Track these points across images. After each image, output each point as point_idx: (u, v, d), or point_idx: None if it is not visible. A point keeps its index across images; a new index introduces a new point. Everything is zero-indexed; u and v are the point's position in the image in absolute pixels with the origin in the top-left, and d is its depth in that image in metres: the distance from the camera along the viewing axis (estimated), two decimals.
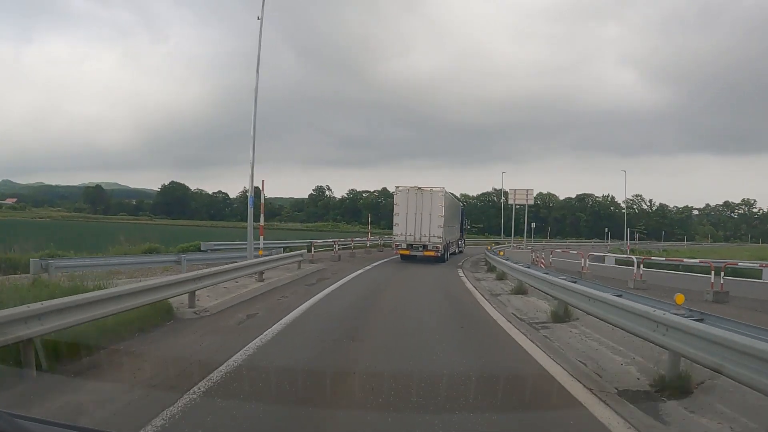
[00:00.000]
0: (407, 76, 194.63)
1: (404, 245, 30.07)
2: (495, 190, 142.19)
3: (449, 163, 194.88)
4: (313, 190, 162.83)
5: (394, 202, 30.84)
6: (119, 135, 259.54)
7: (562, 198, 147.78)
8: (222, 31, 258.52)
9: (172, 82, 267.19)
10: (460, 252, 41.01)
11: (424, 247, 29.85)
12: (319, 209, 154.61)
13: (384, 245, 44.44)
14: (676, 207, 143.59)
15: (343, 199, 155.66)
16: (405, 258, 30.78)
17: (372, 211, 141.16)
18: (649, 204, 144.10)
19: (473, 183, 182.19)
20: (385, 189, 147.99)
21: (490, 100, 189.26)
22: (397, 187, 30.98)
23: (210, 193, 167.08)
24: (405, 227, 29.96)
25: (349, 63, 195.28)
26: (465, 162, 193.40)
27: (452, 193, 40.81)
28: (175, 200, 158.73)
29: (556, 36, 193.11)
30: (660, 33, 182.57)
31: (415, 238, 29.84)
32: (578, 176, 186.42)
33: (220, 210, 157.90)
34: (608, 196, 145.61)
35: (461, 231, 41.79)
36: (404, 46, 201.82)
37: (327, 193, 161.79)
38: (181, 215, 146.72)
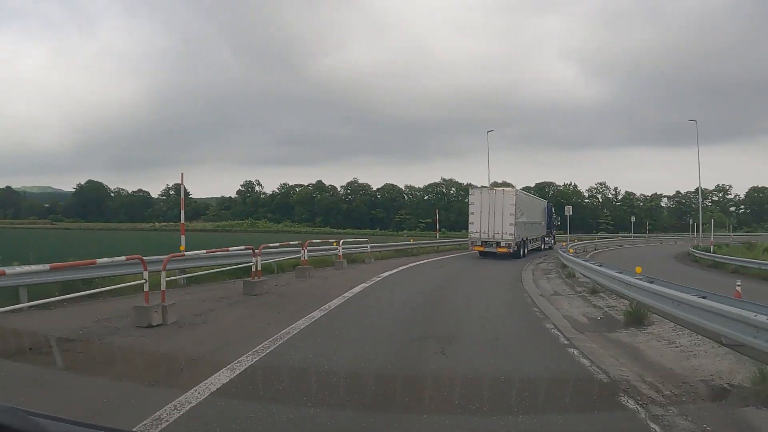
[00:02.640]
0: (349, 71, 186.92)
1: (479, 242, 31.80)
2: (444, 180, 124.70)
3: (394, 159, 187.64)
4: (242, 185, 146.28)
5: (469, 202, 32.96)
6: (50, 135, 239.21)
7: (520, 187, 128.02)
8: (153, 26, 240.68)
9: (102, 78, 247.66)
10: (549, 248, 42.36)
11: (498, 244, 31.25)
12: (247, 207, 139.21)
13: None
14: (644, 195, 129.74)
15: (273, 195, 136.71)
16: (482, 254, 31.94)
17: (306, 207, 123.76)
18: (614, 193, 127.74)
19: (420, 179, 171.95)
20: (320, 182, 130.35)
21: (432, 95, 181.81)
22: (471, 187, 34.44)
23: (129, 192, 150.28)
24: (479, 225, 31.68)
25: (288, 58, 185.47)
26: (409, 158, 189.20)
27: (525, 192, 43.88)
28: (91, 201, 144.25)
29: (497, 30, 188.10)
30: (601, 27, 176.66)
31: (489, 236, 31.42)
32: (522, 170, 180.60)
33: (140, 211, 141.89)
34: (570, 184, 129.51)
35: (549, 228, 44.11)
36: (345, 40, 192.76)
37: (257, 188, 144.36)
38: (99, 218, 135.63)
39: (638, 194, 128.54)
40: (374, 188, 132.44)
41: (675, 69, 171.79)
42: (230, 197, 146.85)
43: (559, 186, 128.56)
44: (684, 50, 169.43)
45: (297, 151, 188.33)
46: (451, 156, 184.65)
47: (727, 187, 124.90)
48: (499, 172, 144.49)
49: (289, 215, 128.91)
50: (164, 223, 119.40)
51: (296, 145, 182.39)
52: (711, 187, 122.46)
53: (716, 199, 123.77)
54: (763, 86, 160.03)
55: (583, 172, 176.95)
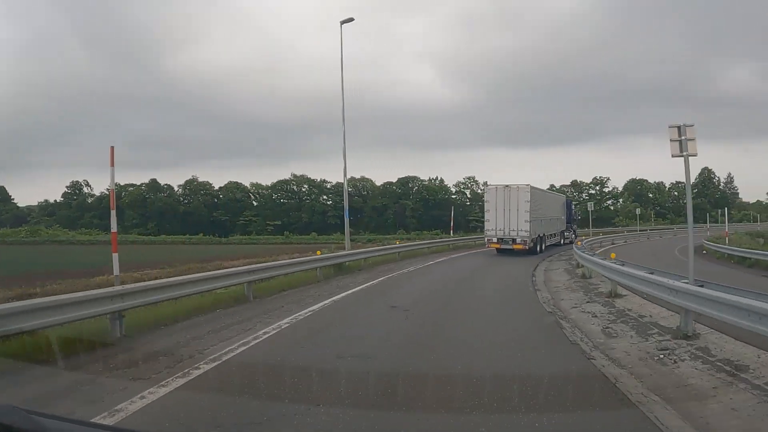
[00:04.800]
0: (206, 70, 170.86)
1: (495, 239, 32.50)
2: (295, 177, 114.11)
3: (252, 162, 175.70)
4: (67, 187, 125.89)
5: (484, 200, 34.71)
6: None
7: (380, 183, 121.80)
8: None
9: None
10: (569, 243, 40.71)
11: (513, 240, 31.73)
12: (72, 211, 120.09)
13: None
14: None
15: (102, 197, 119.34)
16: (499, 251, 32.50)
17: (138, 210, 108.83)
18: (484, 186, 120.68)
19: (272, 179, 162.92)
20: (154, 180, 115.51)
21: (290, 95, 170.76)
22: (486, 186, 38.31)
23: None
24: (495, 222, 32.35)
25: (141, 55, 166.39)
26: (270, 161, 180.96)
27: (541, 188, 41.54)
28: None
29: (357, 30, 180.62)
30: (458, 31, 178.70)
31: (504, 233, 32.00)
32: (382, 171, 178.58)
33: None
34: (436, 178, 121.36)
35: (569, 223, 44.94)
36: (202, 37, 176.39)
37: (85, 190, 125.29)
38: None
39: None
40: (216, 187, 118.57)
41: (531, 72, 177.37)
42: (55, 201, 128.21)
43: (424, 181, 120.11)
44: (539, 55, 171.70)
45: (150, 154, 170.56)
46: (312, 157, 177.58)
47: (605, 180, 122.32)
48: (357, 168, 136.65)
49: (119, 220, 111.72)
50: None
51: (149, 148, 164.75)
52: (588, 180, 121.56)
53: (593, 192, 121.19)
54: (612, 90, 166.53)
55: (445, 173, 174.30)
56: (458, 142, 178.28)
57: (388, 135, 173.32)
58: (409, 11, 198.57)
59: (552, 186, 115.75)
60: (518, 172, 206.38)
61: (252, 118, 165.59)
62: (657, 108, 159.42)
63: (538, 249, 33.08)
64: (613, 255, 14.05)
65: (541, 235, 34.32)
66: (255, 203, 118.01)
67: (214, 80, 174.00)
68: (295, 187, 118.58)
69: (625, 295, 14.14)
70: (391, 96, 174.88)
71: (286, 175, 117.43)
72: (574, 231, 46.19)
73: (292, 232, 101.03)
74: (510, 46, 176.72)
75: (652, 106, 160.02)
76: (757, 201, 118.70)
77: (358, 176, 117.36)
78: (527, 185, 32.54)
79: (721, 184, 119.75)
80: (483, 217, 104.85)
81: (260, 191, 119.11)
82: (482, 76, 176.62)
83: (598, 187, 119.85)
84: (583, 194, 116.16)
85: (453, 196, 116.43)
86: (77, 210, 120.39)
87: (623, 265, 14.17)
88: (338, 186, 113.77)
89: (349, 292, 16.25)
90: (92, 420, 4.96)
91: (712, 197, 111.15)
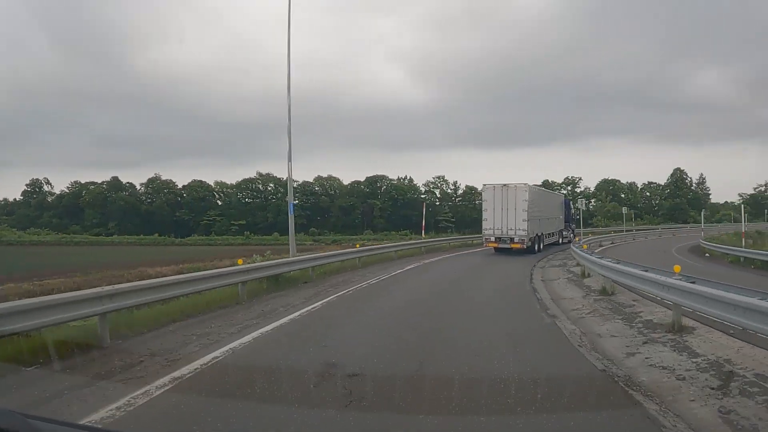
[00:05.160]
0: (174, 68, 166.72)
1: (493, 239, 32.35)
2: (260, 175, 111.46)
3: (221, 161, 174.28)
4: (27, 185, 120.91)
5: (482, 199, 33.74)
6: None
7: (347, 182, 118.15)
8: None
9: None
10: (567, 242, 40.51)
11: (511, 239, 31.71)
12: (32, 210, 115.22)
13: None
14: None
15: (61, 196, 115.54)
16: (497, 250, 32.50)
17: (98, 209, 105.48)
18: (453, 187, 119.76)
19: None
20: (116, 178, 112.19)
21: (263, 94, 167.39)
22: (484, 185, 33.81)
23: None
24: (492, 222, 32.27)
25: (110, 51, 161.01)
26: (239, 160, 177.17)
27: (540, 187, 46.36)
28: None
29: (328, 29, 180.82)
30: (429, 31, 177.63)
31: (502, 232, 31.97)
32: (352, 173, 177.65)
33: None
34: (405, 177, 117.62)
35: (567, 221, 44.36)
36: (170, 35, 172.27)
37: (45, 188, 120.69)
38: None
39: (479, 187, 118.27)
40: (180, 186, 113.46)
41: (502, 74, 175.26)
42: (15, 200, 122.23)
43: (393, 180, 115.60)
44: (510, 56, 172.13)
45: (118, 153, 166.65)
46: (282, 157, 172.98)
47: (577, 180, 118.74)
48: (327, 169, 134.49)
49: (79, 219, 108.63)
50: None
51: (115, 147, 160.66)
52: (560, 180, 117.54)
53: (564, 192, 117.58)
54: (583, 92, 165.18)
55: (416, 173, 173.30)
56: (429, 142, 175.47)
57: (359, 135, 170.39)
58: (380, 10, 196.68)
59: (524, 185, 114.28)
60: (489, 173, 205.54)
61: (221, 117, 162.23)
62: (627, 110, 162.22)
63: (536, 248, 33.02)
64: (677, 268, 10.98)
65: (539, 234, 34.33)
66: (220, 203, 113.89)
67: (183, 78, 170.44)
68: (260, 186, 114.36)
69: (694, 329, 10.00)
70: (362, 96, 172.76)
71: (253, 174, 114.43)
72: (573, 230, 45.56)
73: (255, 232, 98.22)
74: (481, 47, 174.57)
75: (622, 109, 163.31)
76: (725, 202, 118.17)
77: (325, 175, 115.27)
78: (525, 184, 32.75)
79: (693, 184, 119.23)
80: (452, 217, 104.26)
81: (225, 190, 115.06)
82: (454, 77, 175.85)
83: (570, 187, 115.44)
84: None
85: (423, 196, 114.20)
86: (36, 209, 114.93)
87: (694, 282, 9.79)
88: (305, 185, 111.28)
89: (269, 327, 10.80)
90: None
91: (684, 197, 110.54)
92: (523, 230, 31.41)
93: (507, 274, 22.32)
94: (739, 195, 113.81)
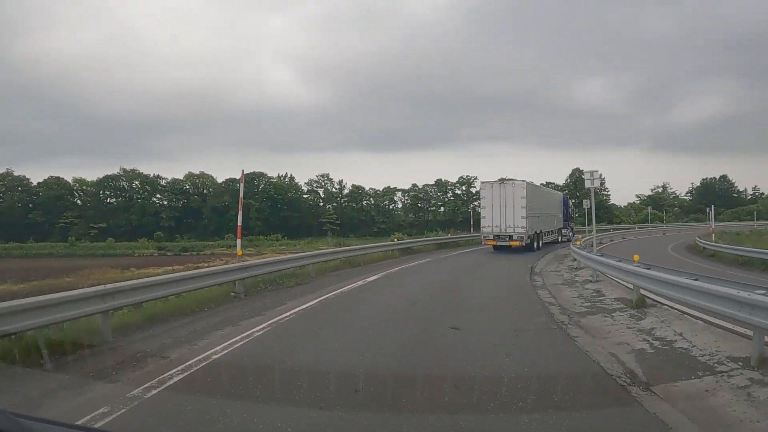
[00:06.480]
0: (52, 58, 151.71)
1: (491, 236, 32.07)
2: (125, 171, 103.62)
3: (103, 161, 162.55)
4: None
5: (480, 197, 33.49)
6: None
7: (221, 180, 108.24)
8: None
9: None
10: (566, 240, 40.03)
11: (510, 237, 31.48)
12: None
13: None
14: (374, 189, 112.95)
15: None
16: (495, 248, 32.33)
17: None
18: (339, 186, 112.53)
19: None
20: None
21: (148, 90, 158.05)
22: (482, 183, 34.00)
23: None
24: (491, 219, 32.00)
25: None
26: (121, 161, 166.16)
27: (538, 185, 42.52)
28: None
29: (217, 25, 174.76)
30: (318, 31, 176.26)
31: (501, 230, 31.72)
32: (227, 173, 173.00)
33: None
34: (286, 175, 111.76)
35: (566, 220, 44.15)
36: (48, 22, 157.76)
37: None
38: None
39: (368, 188, 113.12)
40: (34, 183, 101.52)
41: (391, 78, 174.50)
42: None
43: (273, 178, 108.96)
44: (399, 60, 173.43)
45: None
46: (163, 158, 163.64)
47: (473, 179, 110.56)
48: (198, 167, 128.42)
49: None
50: None
51: None
52: (454, 180, 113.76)
53: (459, 192, 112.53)
54: (469, 98, 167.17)
55: (300, 174, 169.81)
56: (317, 144, 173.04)
57: (245, 136, 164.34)
58: (269, 8, 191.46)
59: (415, 185, 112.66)
60: (378, 177, 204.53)
61: (108, 113, 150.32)
62: (513, 116, 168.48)
63: (535, 246, 32.79)
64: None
65: (537, 231, 34.10)
66: (80, 202, 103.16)
67: (66, 70, 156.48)
68: (124, 184, 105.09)
69: None
70: (249, 96, 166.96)
71: (116, 170, 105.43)
72: (572, 229, 45.20)
73: (118, 236, 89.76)
74: (370, 51, 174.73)
75: (505, 114, 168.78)
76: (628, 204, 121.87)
77: (197, 172, 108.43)
78: (523, 181, 32.79)
79: (593, 185, 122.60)
80: (336, 219, 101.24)
81: (85, 188, 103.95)
82: (343, 80, 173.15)
83: (464, 187, 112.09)
84: (448, 194, 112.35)
85: (305, 196, 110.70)
86: None
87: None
88: (175, 183, 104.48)
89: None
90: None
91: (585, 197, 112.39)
92: (522, 228, 31.30)
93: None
94: (637, 196, 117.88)
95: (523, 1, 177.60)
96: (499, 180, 32.89)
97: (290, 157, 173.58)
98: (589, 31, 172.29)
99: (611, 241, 46.51)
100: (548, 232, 37.78)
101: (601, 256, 18.06)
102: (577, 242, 27.71)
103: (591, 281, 17.00)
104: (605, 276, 16.56)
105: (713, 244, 34.66)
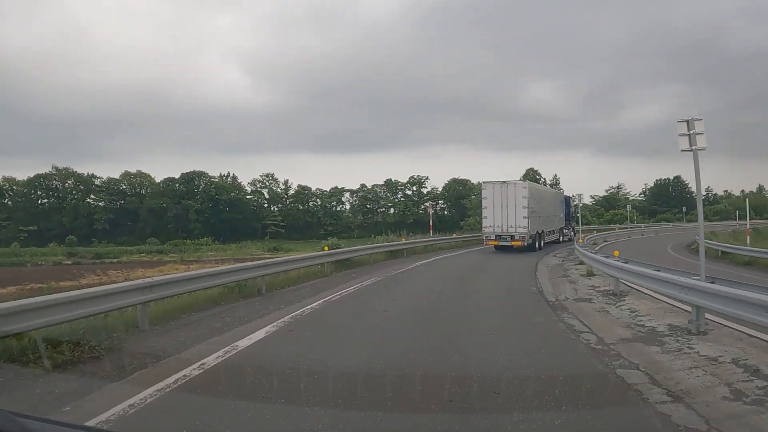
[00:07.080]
0: None
1: (493, 236, 32.46)
2: (57, 169, 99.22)
3: (39, 163, 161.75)
4: None
5: (482, 197, 33.56)
6: None
7: (160, 180, 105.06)
8: None
9: None
10: (568, 240, 40.96)
11: (512, 237, 31.77)
12: None
13: None
14: (321, 190, 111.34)
15: None
16: (498, 248, 32.59)
17: None
18: (284, 186, 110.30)
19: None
20: None
21: (88, 89, 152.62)
22: (484, 183, 33.98)
23: None
24: (492, 219, 32.33)
25: None
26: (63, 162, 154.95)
27: (539, 185, 46.60)
28: None
29: (164, 22, 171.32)
30: (272, 32, 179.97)
31: (502, 230, 32.06)
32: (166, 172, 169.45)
33: None
34: (228, 175, 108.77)
35: (567, 219, 44.08)
36: None
37: None
38: None
39: (314, 188, 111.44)
40: None
41: (342, 79, 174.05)
42: None
43: (214, 178, 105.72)
44: (351, 62, 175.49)
45: None
46: (109, 159, 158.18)
47: (423, 179, 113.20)
48: (139, 168, 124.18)
49: None
50: None
51: None
52: (404, 180, 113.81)
53: (409, 193, 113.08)
54: (420, 100, 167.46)
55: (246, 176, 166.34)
56: (266, 146, 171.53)
57: (190, 136, 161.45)
58: (218, 6, 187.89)
59: (363, 185, 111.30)
60: (326, 178, 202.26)
61: (46, 111, 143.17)
62: (461, 118, 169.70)
63: (536, 246, 33.00)
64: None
65: (539, 231, 34.29)
66: (10, 203, 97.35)
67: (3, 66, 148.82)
68: (57, 184, 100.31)
69: None
70: (197, 95, 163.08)
71: (48, 169, 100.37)
72: (573, 228, 44.72)
73: (48, 240, 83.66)
74: (324, 52, 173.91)
75: (457, 117, 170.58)
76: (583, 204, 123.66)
77: (133, 170, 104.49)
78: (525, 181, 33.68)
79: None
80: (282, 221, 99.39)
81: (14, 188, 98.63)
82: (295, 81, 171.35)
83: (415, 187, 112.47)
84: (398, 195, 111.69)
85: (249, 197, 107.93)
86: None
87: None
88: (111, 182, 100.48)
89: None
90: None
91: None
92: (524, 227, 31.58)
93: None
94: (592, 197, 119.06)
95: (478, 5, 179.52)
96: (501, 181, 32.95)
97: (238, 158, 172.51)
98: (543, 36, 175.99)
99: (605, 241, 43.99)
100: (550, 231, 37.99)
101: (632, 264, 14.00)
102: (580, 240, 29.44)
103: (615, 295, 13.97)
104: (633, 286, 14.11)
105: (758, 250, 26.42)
